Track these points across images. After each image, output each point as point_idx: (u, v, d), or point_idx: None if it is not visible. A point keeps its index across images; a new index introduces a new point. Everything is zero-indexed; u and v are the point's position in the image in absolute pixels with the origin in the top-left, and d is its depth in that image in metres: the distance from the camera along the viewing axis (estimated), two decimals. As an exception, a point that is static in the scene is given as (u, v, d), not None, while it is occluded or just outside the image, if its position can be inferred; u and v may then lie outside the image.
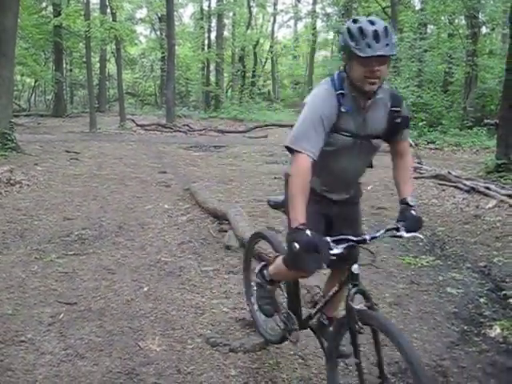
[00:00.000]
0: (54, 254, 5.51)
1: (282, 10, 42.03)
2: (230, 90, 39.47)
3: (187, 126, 24.12)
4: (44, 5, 32.61)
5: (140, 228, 6.57)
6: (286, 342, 3.31)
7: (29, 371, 3.20)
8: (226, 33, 37.53)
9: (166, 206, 7.74)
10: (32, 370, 3.22)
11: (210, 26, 38.20)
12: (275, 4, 39.51)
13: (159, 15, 36.55)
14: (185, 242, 5.97)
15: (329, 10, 37.07)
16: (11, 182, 8.96)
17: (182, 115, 29.01)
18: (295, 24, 46.77)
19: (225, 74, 38.48)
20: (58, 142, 16.42)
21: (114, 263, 5.23)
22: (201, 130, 22.94)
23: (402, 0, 25.67)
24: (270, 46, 39.84)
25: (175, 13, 32.60)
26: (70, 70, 39.43)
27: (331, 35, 38.06)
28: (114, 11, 26.07)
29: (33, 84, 39.90)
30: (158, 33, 40.54)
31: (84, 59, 29.88)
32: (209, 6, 37.73)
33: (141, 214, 7.31)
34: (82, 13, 23.94)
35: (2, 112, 12.97)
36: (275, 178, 9.90)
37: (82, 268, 5.07)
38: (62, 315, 3.98)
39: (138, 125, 23.94)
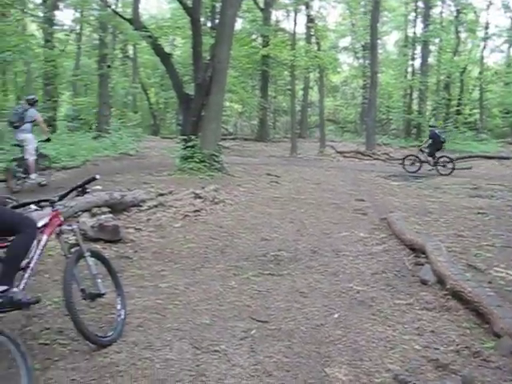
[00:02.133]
0: (250, 271, 5.76)
1: (494, 34, 39.50)
2: (432, 119, 38.06)
3: (387, 154, 23.77)
4: (254, 36, 34.89)
5: (334, 254, 6.57)
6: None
7: (220, 380, 3.35)
8: (430, 59, 36.30)
9: (362, 235, 7.65)
10: (223, 379, 3.37)
11: (414, 52, 37.34)
12: (486, 28, 37.29)
13: (363, 43, 36.85)
14: (378, 272, 5.82)
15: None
16: (215, 200, 9.63)
17: (382, 143, 28.70)
18: (509, 48, 43.61)
19: (428, 102, 37.18)
20: (260, 165, 17.31)
21: (307, 287, 5.28)
22: (401, 159, 22.38)
23: None
24: (479, 73, 37.61)
25: (379, 41, 32.60)
26: (274, 97, 41.52)
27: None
28: (318, 41, 26.91)
29: (240, 110, 42.76)
30: (361, 61, 40.85)
31: (288, 87, 31.28)
32: (414, 33, 36.94)
33: (336, 240, 7.32)
34: (289, 43, 25.11)
35: (211, 135, 14.12)
36: (479, 212, 9.24)
37: (276, 288, 5.21)
38: (253, 331, 4.12)
39: (337, 151, 24.23)
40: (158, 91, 39.95)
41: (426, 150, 17.65)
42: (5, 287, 3.39)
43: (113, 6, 19.77)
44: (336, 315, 4.50)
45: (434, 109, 37.60)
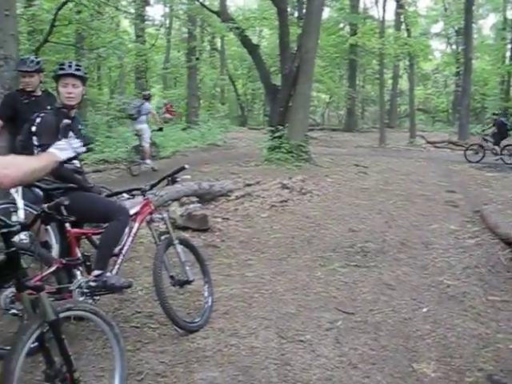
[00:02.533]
0: (336, 262, 5.72)
1: None
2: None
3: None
4: (341, 25, 34.42)
5: (423, 247, 6.37)
6: None
7: (305, 370, 3.36)
8: (532, 43, 34.24)
9: (453, 227, 7.37)
10: (308, 369, 3.38)
11: (513, 36, 35.33)
12: None
13: (456, 28, 35.33)
14: (470, 266, 5.58)
15: None
16: (303, 191, 9.60)
17: (476, 133, 27.48)
18: None
19: (528, 89, 35.14)
20: (347, 156, 17.08)
21: (394, 279, 5.17)
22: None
23: None
24: None
25: (474, 25, 31.10)
26: (363, 87, 40.84)
27: None
28: (408, 27, 26.09)
29: (327, 100, 42.41)
30: (454, 47, 39.22)
31: (376, 75, 30.67)
32: (514, 15, 34.94)
33: (425, 232, 7.10)
34: (377, 30, 24.55)
35: (299, 126, 14.09)
36: None
37: (362, 280, 5.14)
38: (339, 323, 4.09)
39: (428, 141, 23.49)
40: (245, 82, 40.40)
41: (491, 139, 17.06)
42: (99, 272, 3.57)
43: (200, 0, 20.12)
44: (425, 309, 4.38)
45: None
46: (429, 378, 3.29)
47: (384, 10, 24.42)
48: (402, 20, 27.24)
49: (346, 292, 4.80)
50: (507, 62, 34.93)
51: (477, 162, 16.47)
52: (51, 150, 2.35)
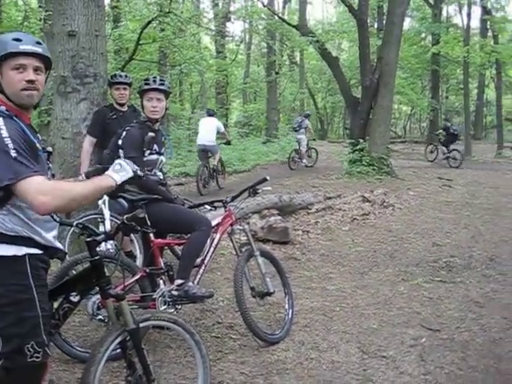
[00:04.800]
0: (420, 277, 5.55)
1: None
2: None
3: None
4: (423, 35, 33.61)
5: (514, 262, 6.07)
6: None
7: (388, 387, 3.27)
8: None
9: (546, 243, 6.98)
10: (391, 386, 3.28)
11: None
12: None
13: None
14: None
15: None
16: (385, 204, 9.42)
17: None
18: None
19: None
20: (430, 168, 16.61)
21: (483, 296, 4.94)
22: None
23: None
24: None
25: None
26: (446, 97, 39.59)
27: None
28: (495, 33, 25.08)
29: (409, 112, 41.48)
30: (547, 53, 37.29)
31: (461, 85, 29.66)
32: None
33: (516, 247, 6.77)
34: (461, 39, 23.78)
35: (380, 138, 13.88)
36: None
37: (448, 296, 4.96)
38: (423, 339, 3.95)
39: (517, 153, 22.42)
40: (324, 96, 40.25)
41: (442, 142, 18.99)
42: (181, 281, 3.64)
43: (280, 14, 20.29)
44: (517, 329, 4.14)
45: None
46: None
47: (469, 17, 23.65)
48: (489, 27, 26.25)
49: (430, 308, 4.64)
50: None
51: (432, 160, 19.23)
52: (108, 172, 2.29)
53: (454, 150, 18.28)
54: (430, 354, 3.72)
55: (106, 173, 2.29)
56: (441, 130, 19.78)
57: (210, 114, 12.45)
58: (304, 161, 16.14)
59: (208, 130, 11.67)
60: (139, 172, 2.39)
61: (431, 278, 5.55)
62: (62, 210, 2.27)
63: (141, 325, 2.52)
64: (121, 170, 2.29)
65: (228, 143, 12.99)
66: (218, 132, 11.89)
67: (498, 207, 9.69)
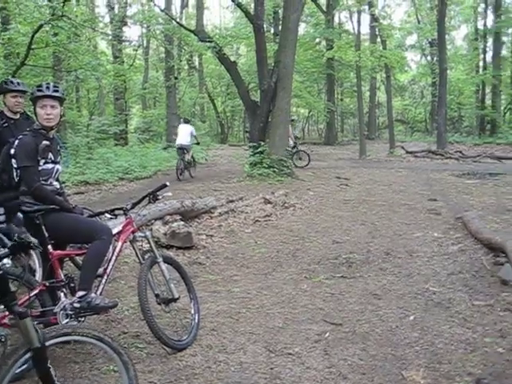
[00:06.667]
0: (322, 274, 5.73)
1: None
2: (508, 114, 36.49)
3: (460, 152, 23.01)
4: (317, 40, 34.79)
5: (408, 255, 6.41)
6: None
7: (295, 383, 3.35)
8: (504, 51, 34.68)
9: (436, 235, 7.43)
10: (298, 382, 3.37)
11: (485, 45, 35.90)
12: None
13: (430, 40, 35.91)
14: (455, 272, 5.62)
15: None
16: (286, 205, 9.64)
17: (454, 141, 27.88)
18: None
19: (502, 96, 35.56)
20: (328, 169, 17.19)
21: (380, 289, 5.19)
22: (475, 157, 21.59)
23: None
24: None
25: (447, 36, 31.64)
26: (341, 100, 41.27)
27: None
28: (383, 39, 26.47)
29: (306, 114, 42.73)
30: (429, 58, 39.81)
31: (354, 88, 30.97)
32: (484, 25, 35.39)
33: (409, 241, 7.15)
34: (353, 44, 24.86)
35: (279, 140, 14.19)
36: None
37: (349, 291, 5.15)
38: (327, 334, 4.08)
39: (407, 152, 23.72)
40: (224, 100, 40.51)
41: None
42: (84, 292, 3.53)
43: (177, 19, 20.17)
44: (412, 317, 4.39)
45: (509, 103, 36.03)
46: (419, 385, 3.29)
47: (359, 24, 24.80)
48: (378, 33, 27.62)
49: (332, 303, 4.80)
50: (481, 71, 35.53)
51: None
52: None
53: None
54: (333, 347, 3.85)
55: None
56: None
57: (186, 121, 16.12)
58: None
59: (184, 133, 15.03)
60: None
61: (332, 274, 5.74)
62: None
63: (62, 339, 2.40)
64: None
65: (197, 144, 16.37)
66: (192, 135, 15.17)
67: (391, 203, 10.19)
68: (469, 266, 5.80)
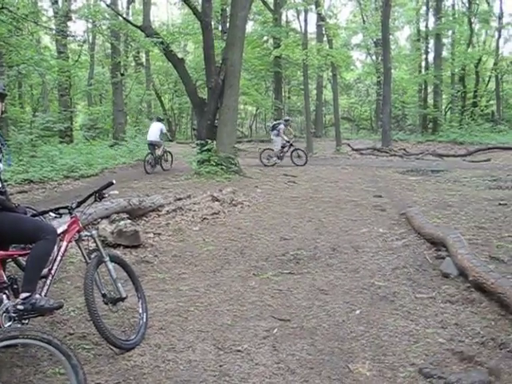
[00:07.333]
0: (270, 271, 5.77)
1: (508, 24, 38.75)
2: (448, 112, 37.68)
3: (403, 149, 23.67)
4: (265, 38, 34.97)
5: (354, 251, 6.53)
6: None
7: (243, 379, 3.37)
8: (444, 53, 35.80)
9: (381, 230, 7.60)
10: (246, 378, 3.38)
11: (427, 46, 36.97)
12: (500, 18, 36.51)
13: (375, 40, 36.69)
14: (399, 267, 5.77)
15: None
16: (233, 202, 9.65)
17: (398, 139, 28.57)
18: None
19: (443, 96, 36.73)
20: (276, 166, 17.29)
21: (327, 284, 5.27)
22: (418, 154, 22.26)
23: None
24: (494, 64, 36.95)
25: (391, 36, 32.45)
26: (289, 98, 41.60)
27: None
28: (330, 38, 26.84)
29: (254, 112, 42.88)
30: (374, 57, 40.66)
31: (301, 86, 31.29)
32: (426, 27, 36.43)
33: (355, 237, 7.29)
34: (300, 43, 25.10)
35: (227, 138, 14.19)
36: (500, 204, 9.13)
37: (297, 287, 5.21)
38: (275, 330, 4.12)
39: (353, 149, 24.19)
40: (171, 97, 40.18)
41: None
42: (27, 294, 3.43)
43: (124, 15, 19.84)
44: (358, 311, 4.48)
45: (449, 102, 37.21)
46: (364, 377, 3.36)
47: (306, 23, 24.99)
48: (324, 32, 27.97)
49: (280, 300, 4.84)
50: (423, 71, 36.58)
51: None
52: None
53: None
54: (281, 343, 3.89)
55: None
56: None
57: (159, 119, 17.56)
58: (274, 159, 18.35)
59: (154, 130, 16.22)
60: None
61: (280, 270, 5.78)
62: None
63: (8, 342, 2.33)
64: None
65: (170, 140, 19.04)
66: (161, 132, 16.35)
67: (337, 200, 10.36)
68: (412, 261, 5.96)
